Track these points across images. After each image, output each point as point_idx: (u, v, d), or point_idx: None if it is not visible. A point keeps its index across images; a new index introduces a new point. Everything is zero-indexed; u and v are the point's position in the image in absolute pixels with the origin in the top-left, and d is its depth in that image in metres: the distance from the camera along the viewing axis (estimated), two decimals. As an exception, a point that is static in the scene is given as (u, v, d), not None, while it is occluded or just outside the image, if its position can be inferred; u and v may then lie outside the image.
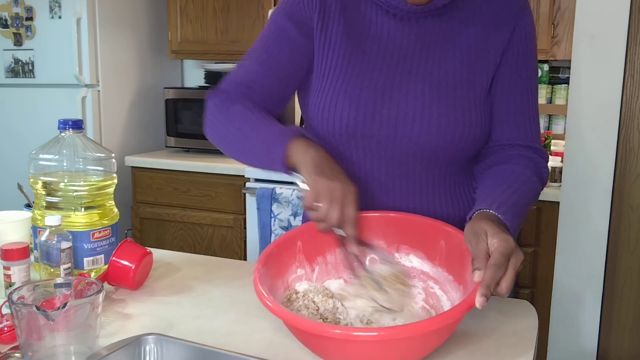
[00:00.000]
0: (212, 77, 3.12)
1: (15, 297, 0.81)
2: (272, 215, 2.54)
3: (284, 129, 1.02)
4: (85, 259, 1.14)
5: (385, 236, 1.03)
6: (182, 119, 3.06)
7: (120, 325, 0.97)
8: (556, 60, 2.59)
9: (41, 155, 1.14)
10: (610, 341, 2.24)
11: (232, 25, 3.02)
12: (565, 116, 2.46)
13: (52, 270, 1.04)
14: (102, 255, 1.16)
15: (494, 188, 1.01)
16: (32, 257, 1.16)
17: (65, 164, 1.14)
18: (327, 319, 0.92)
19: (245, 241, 2.83)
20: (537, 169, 1.07)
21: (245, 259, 2.81)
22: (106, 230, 1.16)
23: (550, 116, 2.80)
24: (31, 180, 1.16)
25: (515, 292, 2.30)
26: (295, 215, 2.50)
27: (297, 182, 0.97)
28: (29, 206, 1.35)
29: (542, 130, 2.74)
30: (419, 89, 1.04)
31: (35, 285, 0.87)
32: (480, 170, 1.11)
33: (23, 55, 2.97)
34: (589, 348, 2.24)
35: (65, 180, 1.13)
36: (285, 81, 1.11)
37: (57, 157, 1.14)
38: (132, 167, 3.00)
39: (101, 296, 0.83)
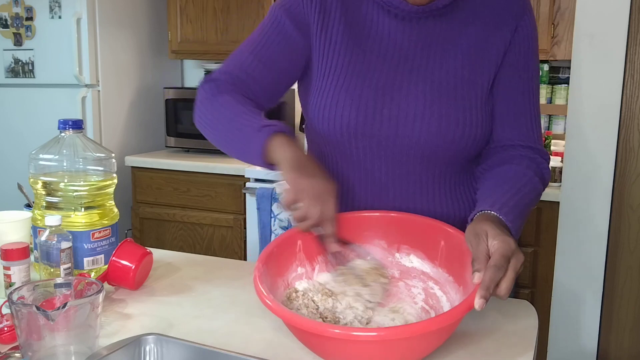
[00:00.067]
0: (212, 77, 3.11)
1: (15, 297, 0.81)
2: (272, 215, 2.54)
3: (266, 123, 0.99)
4: (85, 259, 1.14)
5: (386, 236, 1.03)
6: (182, 119, 3.06)
7: (120, 325, 0.97)
8: (556, 60, 2.59)
9: (41, 155, 1.14)
10: (610, 341, 2.24)
11: (232, 25, 3.02)
12: (565, 116, 2.46)
13: (52, 270, 1.04)
14: (102, 255, 1.16)
15: (495, 189, 1.01)
16: (32, 257, 1.16)
17: (65, 164, 1.14)
18: (326, 318, 0.92)
19: (245, 241, 2.83)
20: (539, 170, 1.07)
21: (245, 259, 2.81)
22: (106, 230, 1.16)
23: (550, 116, 2.80)
24: (31, 180, 1.16)
25: (515, 292, 2.29)
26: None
27: (276, 181, 0.96)
28: (29, 206, 1.35)
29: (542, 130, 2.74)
30: (420, 89, 1.04)
31: (35, 285, 0.87)
32: (481, 171, 1.11)
33: (23, 55, 2.97)
34: (589, 348, 2.24)
35: (65, 180, 1.13)
36: (278, 76, 1.10)
37: (57, 157, 1.14)
38: (132, 167, 3.00)
39: (101, 296, 0.83)
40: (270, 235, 2.58)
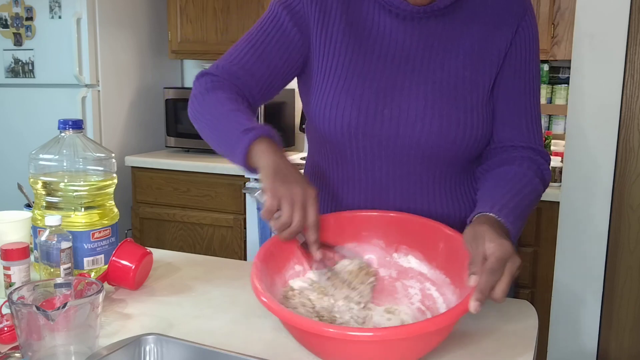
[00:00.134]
0: (212, 77, 3.11)
1: (15, 297, 0.81)
2: (272, 215, 2.54)
3: (252, 126, 0.97)
4: (85, 259, 1.14)
5: (385, 236, 1.03)
6: (182, 119, 3.06)
7: (120, 325, 0.97)
8: (556, 60, 2.59)
9: (41, 155, 1.14)
10: (610, 341, 2.24)
11: (232, 25, 3.02)
12: (565, 116, 2.46)
13: (52, 270, 1.04)
14: (102, 255, 1.16)
15: (495, 190, 1.00)
16: (32, 257, 1.16)
17: (65, 164, 1.14)
18: (323, 316, 0.92)
19: (245, 241, 2.83)
20: (539, 171, 1.07)
21: (245, 259, 2.81)
22: (106, 230, 1.16)
23: (550, 116, 2.80)
24: (31, 180, 1.16)
25: (515, 292, 2.30)
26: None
27: (255, 190, 0.94)
28: (29, 206, 1.35)
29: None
30: (421, 89, 1.04)
31: (35, 285, 0.87)
32: (482, 172, 1.11)
33: (23, 55, 2.97)
34: (589, 348, 2.24)
35: (65, 180, 1.13)
36: (274, 72, 1.10)
37: (57, 157, 1.14)
38: (132, 167, 3.00)
39: (101, 296, 0.83)
40: (270, 235, 2.58)
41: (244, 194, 2.75)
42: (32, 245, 1.18)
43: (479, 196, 1.03)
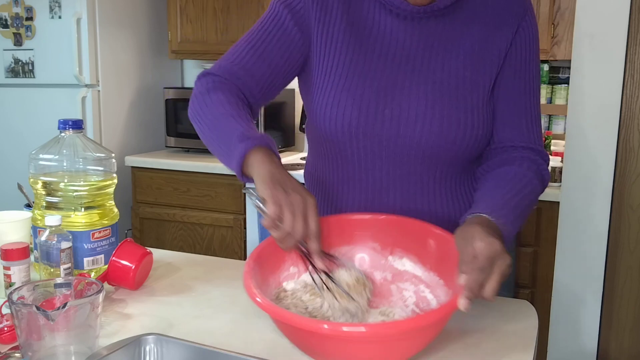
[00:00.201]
0: (212, 77, 3.11)
1: (15, 297, 0.81)
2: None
3: (249, 134, 0.95)
4: (85, 259, 1.14)
5: (380, 239, 1.02)
6: (182, 119, 3.06)
7: (120, 325, 0.97)
8: (556, 60, 2.59)
9: (41, 155, 1.14)
10: (610, 341, 2.24)
11: (232, 25, 3.02)
12: (565, 116, 2.46)
13: (52, 270, 1.04)
14: (102, 255, 1.16)
15: (496, 190, 1.00)
16: (32, 257, 1.16)
17: (65, 164, 1.14)
18: (315, 317, 0.91)
19: (245, 241, 2.83)
20: (539, 171, 1.07)
21: (245, 259, 2.81)
22: (106, 230, 1.16)
23: (550, 116, 2.80)
24: (31, 180, 1.16)
25: (515, 292, 2.30)
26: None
27: (252, 198, 0.92)
28: (29, 206, 1.35)
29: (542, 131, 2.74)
30: (422, 89, 1.04)
31: (35, 285, 0.87)
32: (482, 172, 1.11)
33: (23, 55, 2.97)
34: (589, 348, 2.24)
35: (65, 180, 1.13)
36: (274, 71, 1.09)
37: (57, 157, 1.14)
38: (132, 167, 3.00)
39: (101, 296, 0.83)
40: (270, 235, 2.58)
41: (244, 194, 2.75)
42: (32, 245, 1.18)
43: (478, 196, 1.03)
